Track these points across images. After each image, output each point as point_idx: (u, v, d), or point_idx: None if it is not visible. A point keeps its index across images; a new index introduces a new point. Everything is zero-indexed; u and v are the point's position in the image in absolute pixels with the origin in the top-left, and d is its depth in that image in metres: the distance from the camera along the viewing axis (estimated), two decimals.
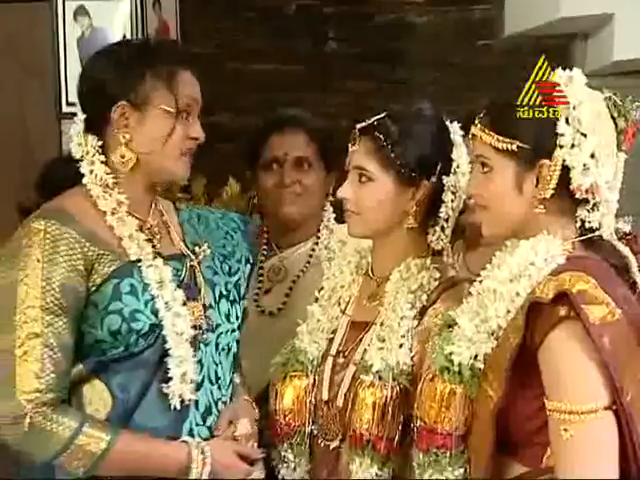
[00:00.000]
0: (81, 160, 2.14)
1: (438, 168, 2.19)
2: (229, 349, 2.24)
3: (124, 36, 3.92)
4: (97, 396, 2.08)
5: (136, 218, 2.15)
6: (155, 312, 2.08)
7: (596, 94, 1.96)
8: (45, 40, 3.60)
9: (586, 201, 1.92)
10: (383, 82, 5.03)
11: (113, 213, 2.11)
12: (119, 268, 2.08)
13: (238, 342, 2.28)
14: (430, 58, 5.05)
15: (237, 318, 2.26)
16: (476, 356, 1.94)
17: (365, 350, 2.18)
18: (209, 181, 4.28)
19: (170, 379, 2.07)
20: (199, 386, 2.14)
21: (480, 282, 1.99)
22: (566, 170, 1.90)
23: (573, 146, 1.89)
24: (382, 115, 2.21)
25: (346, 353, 2.23)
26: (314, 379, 2.25)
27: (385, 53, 5.09)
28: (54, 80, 3.59)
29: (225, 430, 2.17)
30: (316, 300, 2.35)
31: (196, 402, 2.13)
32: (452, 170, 2.20)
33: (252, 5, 5.10)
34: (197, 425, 2.13)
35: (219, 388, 2.19)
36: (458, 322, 1.98)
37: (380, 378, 2.10)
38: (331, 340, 2.28)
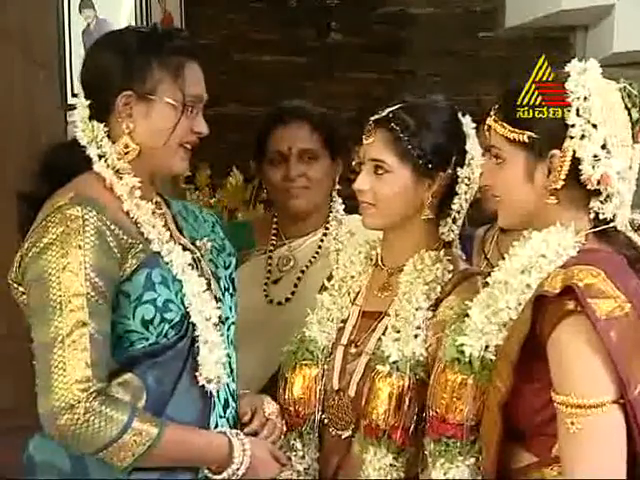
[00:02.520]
0: (86, 146, 2.09)
1: (453, 159, 2.19)
2: (233, 342, 2.23)
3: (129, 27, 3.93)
4: (129, 390, 2.02)
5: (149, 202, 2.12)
6: (183, 301, 2.06)
7: (611, 84, 1.95)
8: (51, 32, 3.61)
9: (599, 192, 1.91)
10: (386, 73, 5.05)
11: (129, 198, 2.07)
12: (148, 257, 2.05)
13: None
14: (433, 49, 5.07)
15: (236, 311, 2.26)
16: (487, 347, 1.95)
17: (379, 340, 2.18)
18: (213, 171, 4.32)
19: (200, 366, 2.05)
20: None
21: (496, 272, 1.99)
22: (577, 161, 1.89)
23: (583, 137, 1.89)
24: (397, 106, 2.19)
25: (358, 343, 2.24)
26: (324, 368, 2.26)
27: (388, 44, 5.11)
28: (60, 72, 3.60)
29: (249, 415, 2.18)
30: (325, 289, 2.35)
31: (217, 394, 2.12)
32: (466, 162, 2.21)
33: None
34: (220, 417, 2.13)
35: (233, 380, 2.19)
36: (469, 313, 1.99)
37: (397, 369, 2.10)
38: (341, 330, 2.29)
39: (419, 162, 2.17)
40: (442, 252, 2.22)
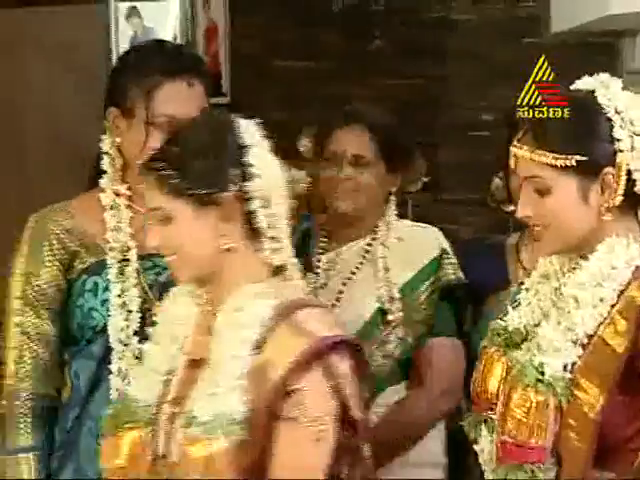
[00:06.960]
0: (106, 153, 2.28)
1: (233, 176, 1.91)
2: None
3: (174, 36, 3.98)
4: (66, 379, 2.27)
5: (136, 211, 2.24)
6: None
7: (635, 95, 1.95)
8: (98, 42, 3.66)
9: None
10: (428, 79, 5.05)
11: (112, 207, 2.25)
12: (90, 265, 2.24)
13: None
14: (476, 55, 5.07)
15: None
16: (565, 366, 1.90)
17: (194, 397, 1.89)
18: None
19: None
20: None
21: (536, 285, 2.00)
22: (629, 173, 1.90)
23: (633, 149, 1.88)
24: (166, 143, 1.96)
25: (181, 399, 1.93)
26: (150, 431, 1.93)
27: (430, 50, 5.11)
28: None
29: None
30: (150, 337, 2.05)
31: None
32: (253, 175, 1.92)
33: (300, 4, 5.15)
34: None
35: None
36: (540, 332, 1.94)
37: (207, 431, 1.80)
38: (168, 383, 1.97)
39: (193, 193, 1.89)
40: (265, 284, 1.93)
